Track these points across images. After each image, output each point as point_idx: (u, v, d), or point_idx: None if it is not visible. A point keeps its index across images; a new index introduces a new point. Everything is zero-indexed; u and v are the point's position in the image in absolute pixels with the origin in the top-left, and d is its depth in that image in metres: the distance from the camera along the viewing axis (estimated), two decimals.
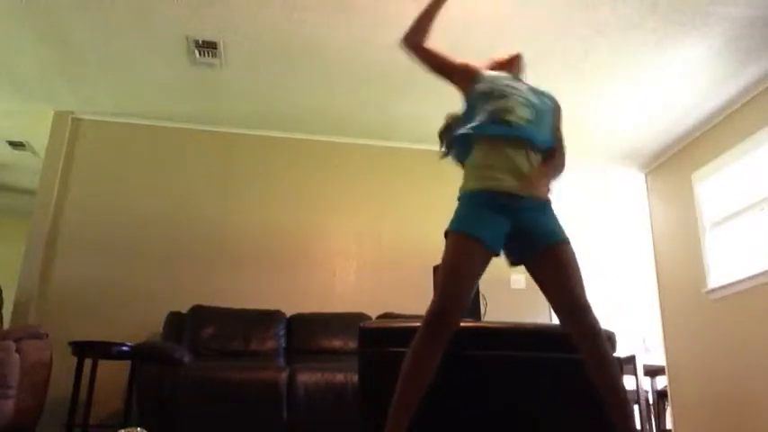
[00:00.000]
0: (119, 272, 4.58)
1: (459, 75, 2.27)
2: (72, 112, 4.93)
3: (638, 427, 4.95)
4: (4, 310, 5.47)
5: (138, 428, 2.87)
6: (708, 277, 4.70)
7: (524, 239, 1.98)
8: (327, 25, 3.78)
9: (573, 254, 1.96)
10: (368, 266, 4.96)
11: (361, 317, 4.29)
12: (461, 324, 2.02)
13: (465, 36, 3.71)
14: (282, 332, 4.34)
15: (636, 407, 4.90)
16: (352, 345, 4.12)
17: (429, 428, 1.95)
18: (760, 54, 3.95)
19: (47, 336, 3.78)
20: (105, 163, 4.88)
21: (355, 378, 3.42)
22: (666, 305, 5.29)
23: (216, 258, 4.75)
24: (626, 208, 6.38)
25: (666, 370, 5.21)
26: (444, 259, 1.94)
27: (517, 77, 2.30)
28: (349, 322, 4.23)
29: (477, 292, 4.64)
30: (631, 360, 5.09)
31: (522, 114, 2.05)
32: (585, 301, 1.88)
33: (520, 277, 4.93)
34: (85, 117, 4.96)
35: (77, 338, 3.87)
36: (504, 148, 2.00)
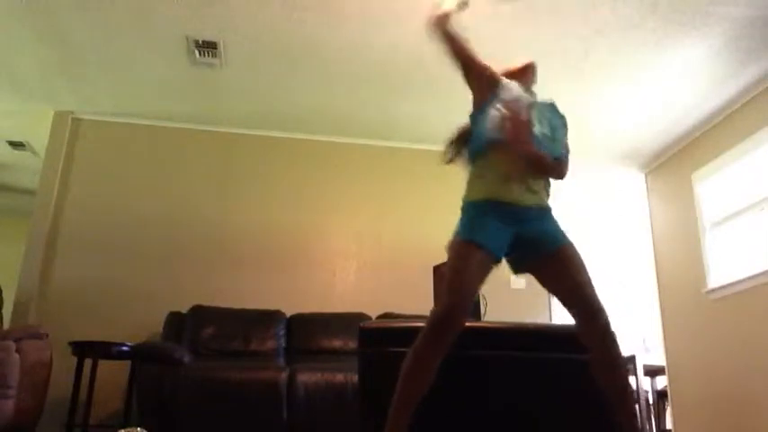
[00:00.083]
0: (119, 272, 4.58)
1: (479, 75, 2.22)
2: (72, 112, 4.93)
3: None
4: (4, 310, 5.46)
5: (138, 428, 2.87)
6: (708, 277, 4.69)
7: (529, 247, 2.01)
8: (327, 25, 3.77)
9: (578, 255, 1.99)
10: (368, 266, 4.96)
11: (361, 317, 4.28)
12: None
13: (464, 36, 3.70)
14: (282, 332, 4.34)
15: (636, 407, 4.90)
16: (352, 345, 4.12)
17: (429, 428, 1.94)
18: (760, 54, 3.95)
19: (47, 336, 3.78)
20: (105, 163, 4.88)
21: (355, 378, 3.42)
22: (666, 305, 5.29)
23: (216, 258, 4.75)
24: (626, 208, 6.38)
25: (666, 370, 5.21)
26: (449, 265, 1.96)
27: (531, 90, 2.29)
28: (349, 322, 4.23)
29: (477, 292, 4.65)
30: (631, 360, 5.10)
31: (542, 130, 2.09)
32: (597, 300, 1.90)
33: (520, 277, 4.92)
34: (85, 117, 4.96)
35: (77, 338, 3.87)
36: (517, 161, 2.03)
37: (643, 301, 6.58)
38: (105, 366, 4.07)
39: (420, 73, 4.26)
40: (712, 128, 4.81)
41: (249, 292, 4.62)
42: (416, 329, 1.90)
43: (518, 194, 2.00)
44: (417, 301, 4.39)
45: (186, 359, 3.62)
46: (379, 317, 4.31)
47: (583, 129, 4.93)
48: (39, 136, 5.16)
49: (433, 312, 1.89)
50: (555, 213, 2.11)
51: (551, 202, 2.15)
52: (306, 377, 3.60)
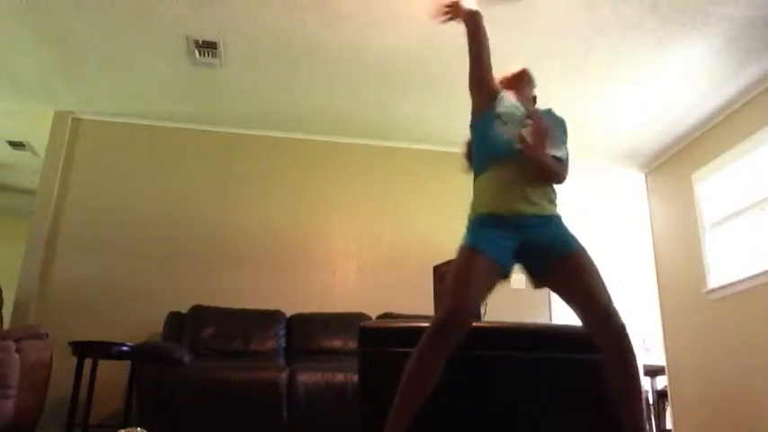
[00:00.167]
0: (119, 272, 4.58)
1: (488, 82, 2.23)
2: (72, 112, 4.93)
3: None
4: (4, 310, 5.47)
5: (138, 428, 2.87)
6: (708, 277, 4.69)
7: (538, 255, 2.02)
8: (327, 25, 3.78)
9: (590, 260, 1.98)
10: (368, 266, 4.96)
11: (361, 317, 4.28)
12: None
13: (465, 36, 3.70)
14: (282, 332, 4.34)
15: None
16: (352, 345, 4.12)
17: (429, 428, 1.94)
18: (760, 54, 3.95)
19: (47, 336, 3.78)
20: (105, 163, 4.88)
21: (355, 378, 3.42)
22: (666, 305, 5.29)
23: (216, 258, 4.75)
24: (626, 208, 6.38)
25: (666, 370, 5.22)
26: (453, 269, 1.98)
27: (529, 96, 2.30)
28: (349, 322, 4.23)
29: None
30: None
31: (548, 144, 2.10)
32: (612, 306, 1.89)
33: (520, 277, 4.92)
34: (85, 117, 4.96)
35: (77, 338, 3.87)
36: (512, 174, 2.05)
37: (643, 301, 6.58)
38: (105, 366, 4.07)
39: (420, 73, 4.26)
40: (712, 128, 4.81)
41: (249, 292, 4.62)
42: (416, 329, 1.90)
43: (518, 206, 2.02)
44: (417, 301, 4.39)
45: (186, 359, 3.62)
46: (379, 317, 4.31)
47: (583, 129, 4.93)
48: (39, 136, 5.16)
49: (437, 314, 1.90)
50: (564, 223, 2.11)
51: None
52: (306, 377, 3.60)
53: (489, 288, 1.98)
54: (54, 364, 3.81)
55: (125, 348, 3.84)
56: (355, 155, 5.27)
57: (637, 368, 1.87)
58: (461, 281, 1.92)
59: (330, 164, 5.20)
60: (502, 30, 3.74)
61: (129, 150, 4.96)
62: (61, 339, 3.91)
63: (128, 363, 4.02)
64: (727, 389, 4.40)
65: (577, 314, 1.94)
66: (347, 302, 4.72)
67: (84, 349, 3.80)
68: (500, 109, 2.15)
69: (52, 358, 3.78)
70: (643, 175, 5.73)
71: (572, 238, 2.04)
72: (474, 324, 2.14)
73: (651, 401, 5.60)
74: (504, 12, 3.59)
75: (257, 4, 3.60)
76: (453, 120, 4.52)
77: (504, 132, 2.10)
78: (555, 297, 5.08)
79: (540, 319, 4.96)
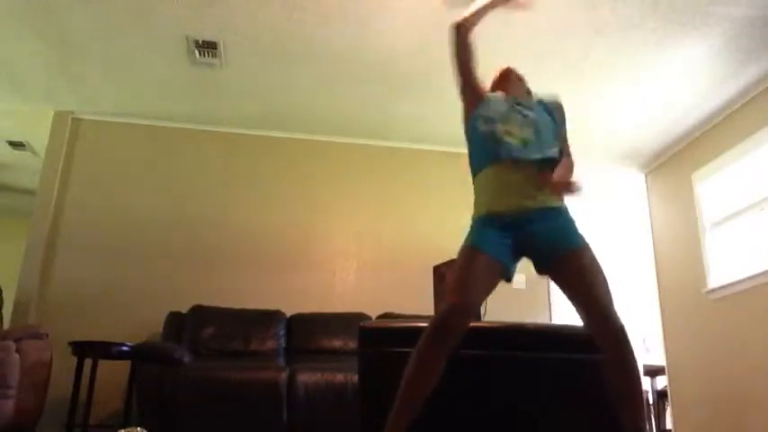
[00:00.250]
0: (119, 272, 4.58)
1: (472, 89, 2.27)
2: (72, 112, 4.93)
3: None
4: (4, 310, 5.47)
5: (138, 428, 2.87)
6: (708, 277, 4.70)
7: (541, 250, 2.01)
8: (327, 25, 3.78)
9: (593, 259, 1.96)
10: (368, 266, 4.96)
11: (361, 317, 4.29)
12: None
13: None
14: (282, 332, 4.34)
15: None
16: (352, 345, 4.12)
17: (429, 428, 1.94)
18: (760, 54, 3.95)
19: (47, 336, 3.78)
20: (105, 163, 4.88)
21: (355, 378, 3.43)
22: (666, 305, 5.29)
23: (216, 258, 4.75)
24: (626, 208, 6.38)
25: (666, 370, 5.21)
26: (454, 269, 1.99)
27: (520, 93, 2.28)
28: (349, 322, 4.23)
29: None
30: None
31: (522, 135, 2.08)
32: (612, 307, 1.88)
33: (520, 277, 4.93)
34: (85, 117, 4.96)
35: (77, 338, 3.88)
36: (505, 172, 2.05)
37: (643, 301, 6.58)
38: (105, 366, 4.07)
39: (420, 73, 4.26)
40: (712, 128, 4.81)
41: (249, 292, 4.63)
42: (416, 329, 1.90)
43: (515, 203, 2.01)
44: (417, 301, 4.40)
45: (186, 359, 3.62)
46: (379, 317, 4.31)
47: (583, 129, 4.93)
48: (39, 136, 5.16)
49: (436, 314, 1.90)
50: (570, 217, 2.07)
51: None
52: (306, 377, 3.60)
53: (490, 287, 1.98)
54: (54, 364, 3.81)
55: (125, 348, 3.84)
56: (355, 155, 5.27)
57: (637, 369, 1.86)
58: (461, 280, 1.93)
59: (330, 164, 5.20)
60: (502, 30, 3.74)
61: (129, 150, 4.96)
62: (61, 339, 3.91)
63: (128, 363, 4.02)
64: (727, 389, 4.40)
65: (578, 312, 1.94)
66: (347, 302, 4.72)
67: (84, 349, 3.80)
68: (482, 111, 2.18)
69: (52, 358, 3.78)
70: (643, 175, 5.73)
71: (575, 234, 2.02)
72: (474, 324, 2.14)
73: (651, 401, 5.60)
74: (504, 11, 3.58)
75: (257, 4, 3.60)
76: (453, 120, 4.52)
77: (487, 131, 2.11)
78: (555, 297, 5.09)
79: (540, 319, 4.96)
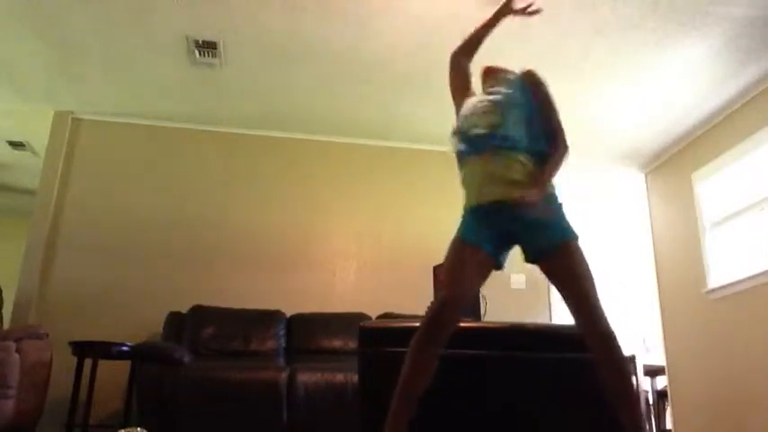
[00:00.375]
0: (119, 272, 4.58)
1: (458, 101, 2.34)
2: (72, 112, 4.93)
3: None
4: (4, 310, 5.47)
5: (138, 428, 2.87)
6: (708, 277, 4.69)
7: (526, 241, 1.99)
8: (327, 25, 3.77)
9: (579, 253, 1.94)
10: (368, 266, 4.96)
11: (361, 317, 4.28)
12: (461, 324, 2.02)
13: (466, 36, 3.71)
14: (282, 332, 4.34)
15: (641, 408, 4.90)
16: (352, 345, 4.12)
17: (429, 428, 1.94)
18: (760, 54, 3.95)
19: (47, 336, 3.78)
20: (105, 163, 4.88)
21: (355, 378, 3.42)
22: (666, 305, 5.29)
23: (216, 258, 4.75)
24: (626, 208, 6.38)
25: (666, 370, 5.21)
26: (443, 263, 2.00)
27: (490, 87, 2.27)
28: (349, 322, 4.23)
29: (478, 292, 4.65)
30: (631, 360, 5.07)
31: (488, 121, 2.05)
32: (596, 303, 1.87)
33: (520, 277, 4.93)
34: (85, 117, 4.96)
35: (77, 338, 3.87)
36: (479, 162, 2.03)
37: (643, 301, 6.58)
38: (105, 366, 4.07)
39: (419, 73, 4.26)
40: (712, 128, 4.81)
41: (249, 292, 4.62)
42: (416, 329, 1.90)
43: (500, 193, 1.96)
44: (417, 301, 4.39)
45: (186, 359, 3.62)
46: (379, 317, 4.31)
47: (583, 129, 4.93)
48: (39, 136, 5.16)
49: (428, 309, 1.92)
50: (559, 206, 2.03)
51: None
52: (306, 377, 3.60)
53: (480, 278, 1.99)
54: (54, 364, 3.81)
55: (125, 348, 3.83)
56: (355, 155, 5.27)
57: (628, 367, 1.87)
58: (448, 274, 1.95)
59: (330, 164, 5.20)
60: (502, 30, 3.73)
61: (129, 150, 4.96)
62: (61, 339, 3.91)
63: (128, 363, 4.02)
64: (727, 389, 4.40)
65: (568, 307, 1.95)
66: (347, 302, 4.72)
67: (84, 349, 3.80)
68: (462, 111, 2.21)
69: (52, 358, 3.78)
70: (643, 175, 5.73)
71: (564, 226, 1.98)
72: (474, 324, 2.14)
73: (651, 401, 5.60)
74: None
75: (257, 4, 3.60)
76: (453, 120, 4.52)
77: (456, 130, 2.14)
78: (555, 297, 5.09)
79: (540, 319, 4.96)
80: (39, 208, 4.66)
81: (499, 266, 2.02)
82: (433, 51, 3.95)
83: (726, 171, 4.68)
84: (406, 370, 1.85)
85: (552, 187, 2.04)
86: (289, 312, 4.47)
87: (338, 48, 4.00)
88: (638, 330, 6.87)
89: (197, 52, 4.06)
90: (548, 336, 2.32)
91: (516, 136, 2.02)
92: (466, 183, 2.09)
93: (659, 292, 5.39)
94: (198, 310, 4.27)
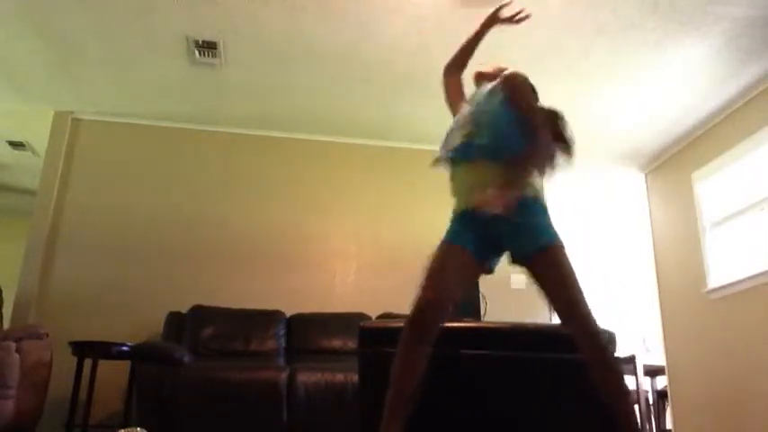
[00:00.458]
0: (119, 272, 4.58)
1: (453, 112, 2.41)
2: (72, 112, 4.93)
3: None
4: (4, 310, 5.46)
5: (138, 428, 2.87)
6: (708, 277, 4.69)
7: (511, 246, 2.01)
8: (327, 25, 3.78)
9: (562, 256, 1.93)
10: (367, 266, 4.96)
11: (361, 317, 4.28)
12: (461, 324, 2.02)
13: (465, 36, 3.71)
14: (282, 332, 4.34)
15: (636, 407, 4.90)
16: (352, 345, 4.12)
17: (428, 428, 1.94)
18: (760, 54, 3.95)
19: (47, 336, 3.78)
20: (105, 163, 4.88)
21: (355, 378, 3.42)
22: (666, 305, 5.29)
23: (216, 258, 4.74)
24: (626, 208, 6.38)
25: (666, 370, 5.21)
26: (427, 264, 2.02)
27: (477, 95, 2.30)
28: (349, 322, 4.22)
29: (478, 292, 4.65)
30: (631, 360, 5.09)
31: (464, 133, 2.08)
32: (581, 305, 1.87)
33: (520, 277, 4.92)
34: (85, 117, 4.96)
35: (77, 338, 3.87)
36: (460, 172, 2.08)
37: (643, 301, 6.59)
38: (105, 366, 4.07)
39: (419, 73, 4.26)
40: (712, 128, 4.81)
41: (249, 292, 4.62)
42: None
43: (480, 200, 1.98)
44: None
45: (186, 359, 3.62)
46: (379, 317, 4.30)
47: (583, 129, 4.90)
48: (39, 136, 5.16)
49: (411, 309, 1.93)
50: (552, 212, 2.04)
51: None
52: (306, 377, 3.60)
53: (464, 278, 2.01)
54: (54, 364, 3.81)
55: (125, 348, 3.83)
56: (354, 155, 5.27)
57: (618, 369, 1.89)
58: (430, 275, 1.97)
59: (329, 164, 5.20)
60: (502, 30, 3.74)
61: (129, 150, 4.96)
62: (61, 339, 3.91)
63: (128, 363, 4.01)
64: (727, 389, 4.40)
65: (555, 312, 1.96)
66: (347, 302, 4.71)
67: (84, 349, 3.80)
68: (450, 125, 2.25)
69: (52, 358, 3.78)
70: (643, 175, 5.73)
71: (545, 230, 1.97)
72: (474, 324, 2.14)
73: (651, 401, 5.60)
74: (504, 12, 3.58)
75: (257, 4, 3.60)
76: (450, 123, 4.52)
77: (444, 140, 2.18)
78: None
79: (540, 319, 4.96)
80: (39, 208, 4.66)
81: (489, 270, 2.05)
82: (433, 51, 3.94)
83: (726, 171, 4.68)
84: (395, 371, 1.85)
85: (534, 191, 2.02)
86: (288, 312, 4.47)
87: (338, 48, 4.00)
88: (638, 330, 6.88)
89: (197, 52, 4.06)
90: (548, 336, 2.32)
91: (491, 145, 2.02)
92: (454, 191, 2.14)
93: (659, 292, 5.39)
94: (198, 310, 4.27)
